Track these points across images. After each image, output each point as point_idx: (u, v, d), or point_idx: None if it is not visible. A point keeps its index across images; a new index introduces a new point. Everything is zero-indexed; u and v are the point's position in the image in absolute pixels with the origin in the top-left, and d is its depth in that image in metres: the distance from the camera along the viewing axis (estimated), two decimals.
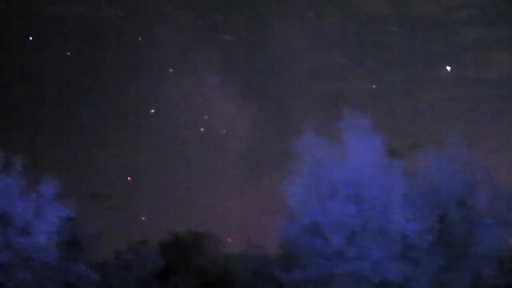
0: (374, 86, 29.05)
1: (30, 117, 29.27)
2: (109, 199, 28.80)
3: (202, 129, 31.81)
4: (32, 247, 23.18)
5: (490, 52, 32.20)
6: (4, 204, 22.85)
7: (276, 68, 31.75)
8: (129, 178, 30.34)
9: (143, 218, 30.19)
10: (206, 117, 32.06)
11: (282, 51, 31.54)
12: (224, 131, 31.65)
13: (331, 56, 31.03)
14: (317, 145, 24.75)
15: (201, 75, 32.00)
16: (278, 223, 25.16)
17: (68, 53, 30.85)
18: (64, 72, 30.72)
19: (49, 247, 23.51)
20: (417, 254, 22.73)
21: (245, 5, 32.17)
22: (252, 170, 29.72)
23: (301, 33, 31.44)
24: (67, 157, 28.91)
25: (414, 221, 22.42)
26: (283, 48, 31.57)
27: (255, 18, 32.18)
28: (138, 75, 31.98)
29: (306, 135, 24.90)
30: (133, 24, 32.18)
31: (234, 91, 31.59)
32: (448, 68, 30.19)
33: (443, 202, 23.17)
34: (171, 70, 31.96)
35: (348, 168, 24.34)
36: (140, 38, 31.78)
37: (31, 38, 29.89)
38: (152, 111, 31.47)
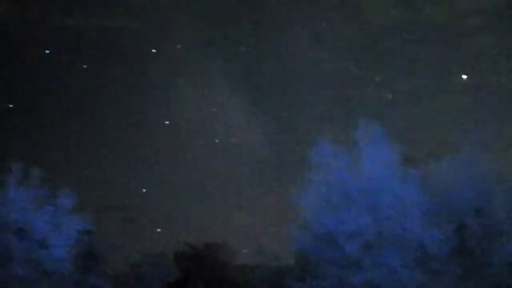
0: (389, 95, 29.04)
1: (47, 130, 29.51)
2: (124, 211, 28.90)
3: (217, 140, 31.89)
4: (50, 259, 23.38)
5: (505, 59, 32.09)
6: (22, 217, 23.10)
7: (289, 78, 31.83)
8: (144, 190, 30.43)
9: (158, 230, 30.25)
10: (220, 128, 32.15)
11: (295, 61, 31.62)
12: (238, 141, 31.71)
13: (344, 65, 31.05)
14: (332, 154, 24.74)
15: (215, 86, 32.15)
16: (292, 233, 25.14)
17: (85, 66, 31.07)
18: (81, 84, 30.99)
19: (66, 260, 23.70)
20: (434, 263, 22.64)
21: (258, 16, 32.34)
22: (267, 180, 29.73)
23: (313, 43, 31.54)
24: (83, 170, 29.09)
25: (431, 230, 22.34)
26: (296, 58, 31.66)
27: (268, 29, 32.32)
28: (153, 87, 32.14)
29: (321, 144, 24.91)
30: (147, 36, 32.42)
31: (247, 102, 31.72)
32: (464, 76, 30.18)
33: (460, 211, 23.05)
34: (184, 81, 32.11)
35: (363, 177, 24.31)
36: (154, 50, 31.95)
37: (48, 51, 30.15)
38: (167, 122, 31.59)
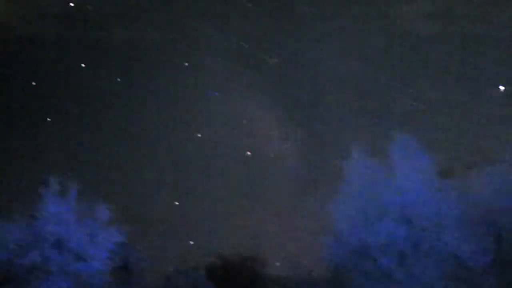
0: (424, 106, 28.95)
1: (84, 143, 29.96)
2: (158, 224, 29.14)
3: (249, 153, 32.01)
4: (87, 272, 23.60)
5: None
6: (61, 230, 23.37)
7: (321, 90, 31.89)
8: (176, 203, 30.64)
9: (191, 243, 30.40)
10: (251, 140, 32.29)
11: (327, 73, 31.69)
12: (271, 154, 31.81)
13: (377, 76, 31.00)
14: (366, 166, 24.68)
15: (247, 98, 32.34)
16: (326, 245, 25.11)
17: (119, 79, 31.50)
18: (115, 98, 31.40)
19: (103, 272, 23.92)
20: (471, 275, 22.42)
21: (289, 29, 32.50)
22: (299, 192, 29.75)
23: (345, 55, 31.58)
24: (119, 183, 29.39)
25: (468, 241, 22.13)
26: (328, 70, 31.74)
27: (300, 41, 32.44)
28: (185, 99, 32.40)
29: (354, 156, 24.91)
30: (180, 49, 32.75)
31: (279, 114, 31.83)
32: (502, 88, 29.95)
33: (498, 222, 22.84)
34: (217, 93, 32.35)
35: (397, 189, 24.19)
36: (186, 63, 32.27)
37: (83, 65, 30.65)
38: (199, 135, 31.83)
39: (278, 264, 28.62)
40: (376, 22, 32.10)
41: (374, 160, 24.72)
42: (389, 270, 23.07)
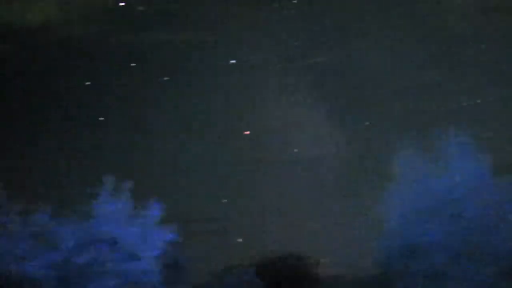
0: (477, 103, 28.56)
1: (136, 142, 30.26)
2: (207, 222, 29.28)
3: (296, 150, 31.91)
4: (139, 271, 23.99)
5: None
6: (114, 230, 23.80)
7: (368, 88, 31.56)
8: (225, 201, 30.73)
9: (239, 240, 30.48)
10: (299, 138, 32.16)
11: (373, 71, 31.32)
12: (318, 151, 31.64)
13: (425, 73, 30.49)
14: (416, 164, 24.60)
15: (293, 96, 32.20)
16: (375, 243, 25.05)
17: (166, 78, 31.75)
18: (163, 97, 31.61)
19: (154, 271, 24.26)
20: None
21: (335, 27, 32.22)
22: (348, 190, 29.50)
23: (391, 52, 31.12)
24: (170, 182, 29.59)
25: None
26: (374, 68, 31.36)
27: (345, 39, 32.15)
28: (231, 98, 32.47)
29: (403, 153, 24.79)
30: (225, 47, 32.78)
31: (326, 112, 31.58)
32: None
33: None
34: (263, 91, 32.32)
35: (449, 186, 24.06)
36: (233, 61, 32.32)
37: (133, 64, 31.02)
38: (247, 133, 31.87)
39: (326, 262, 28.53)
40: (425, 18, 31.70)
41: (425, 158, 24.59)
42: (443, 268, 22.96)
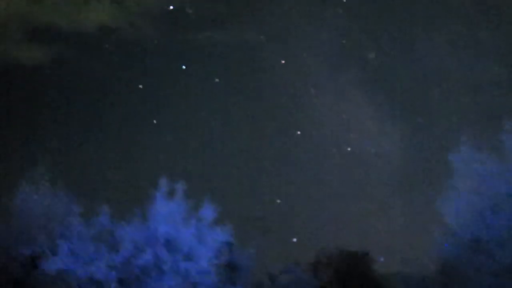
0: None
1: (189, 143, 30.56)
2: (262, 222, 29.25)
3: (349, 148, 31.65)
4: (196, 271, 23.99)
5: None
6: (170, 230, 23.86)
7: (424, 83, 31.09)
8: (278, 201, 30.68)
9: (294, 240, 30.35)
10: (352, 135, 31.92)
11: (430, 66, 30.82)
12: (373, 149, 31.32)
13: (484, 68, 29.85)
14: (476, 160, 23.97)
15: (346, 93, 32.01)
16: (436, 240, 24.55)
17: (217, 80, 31.88)
18: (213, 98, 31.83)
19: (211, 271, 24.25)
20: None
21: (388, 22, 31.90)
22: (405, 187, 29.16)
23: (450, 47, 30.62)
24: (223, 182, 29.77)
25: None
26: (431, 63, 30.88)
27: (399, 35, 31.81)
28: (283, 97, 32.45)
29: (463, 150, 24.23)
30: (276, 47, 32.78)
31: (381, 108, 31.29)
32: None
33: None
34: (314, 90, 32.19)
35: (509, 181, 23.42)
36: (283, 61, 32.23)
37: (184, 67, 31.21)
38: (298, 132, 31.75)
39: (384, 260, 28.15)
40: (484, 12, 31.04)
41: (485, 153, 24.00)
42: (507, 264, 22.35)
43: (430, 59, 30.55)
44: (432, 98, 30.41)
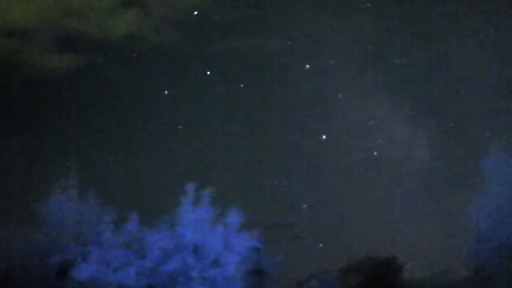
0: None
1: (215, 150, 30.60)
2: (288, 228, 29.17)
3: (376, 154, 31.42)
4: (223, 278, 24.01)
5: None
6: (197, 237, 23.92)
7: (453, 87, 30.75)
8: (304, 206, 30.55)
9: (320, 245, 30.21)
10: (379, 141, 31.67)
11: (459, 70, 30.49)
12: (401, 154, 31.06)
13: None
14: (508, 164, 23.80)
15: (372, 98, 31.79)
16: (466, 245, 24.34)
17: (242, 85, 31.91)
18: (239, 104, 31.84)
19: (238, 277, 24.26)
20: None
21: (415, 26, 31.67)
22: (434, 192, 28.84)
23: (479, 50, 30.26)
24: (249, 188, 29.74)
25: None
26: (460, 66, 30.55)
27: (427, 39, 31.54)
28: (309, 103, 32.34)
29: (494, 154, 24.02)
30: (301, 53, 32.71)
31: (409, 113, 31.01)
32: None
33: None
34: (340, 95, 32.02)
35: None
36: (307, 66, 32.15)
37: (208, 73, 31.31)
38: (324, 137, 31.60)
39: (413, 266, 27.91)
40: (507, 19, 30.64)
41: None
42: None
43: (459, 63, 30.25)
44: (463, 102, 30.12)
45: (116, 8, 32.02)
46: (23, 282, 23.31)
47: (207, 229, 24.33)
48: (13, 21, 31.12)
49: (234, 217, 24.56)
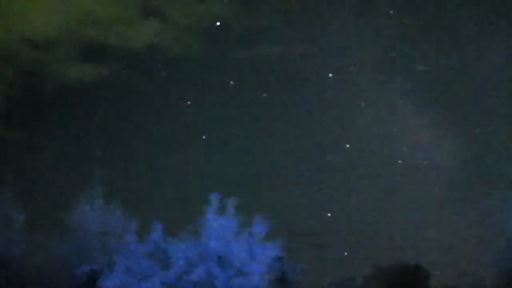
0: None
1: (238, 159, 30.59)
2: (312, 237, 29.04)
3: (400, 161, 31.17)
4: (248, 287, 23.86)
5: None
6: (222, 246, 23.82)
7: (478, 92, 30.48)
8: (328, 215, 30.39)
9: (345, 254, 29.98)
10: (403, 148, 31.43)
11: (486, 77, 30.18)
12: (425, 161, 30.78)
13: None
14: None
15: (395, 106, 31.61)
16: (495, 252, 23.98)
17: (264, 95, 31.89)
18: (261, 113, 31.85)
19: (262, 287, 24.09)
20: None
21: (438, 34, 31.46)
22: (460, 199, 28.51)
23: (504, 54, 29.89)
24: (273, 197, 29.69)
25: None
26: (484, 71, 30.27)
27: (450, 44, 31.31)
28: (331, 111, 32.23)
29: None
30: (323, 61, 32.61)
31: (432, 120, 30.76)
32: None
33: None
34: (364, 103, 31.86)
35: None
36: (330, 74, 32.04)
37: (232, 82, 31.36)
38: (347, 146, 31.44)
39: (440, 273, 27.59)
40: None
41: None
42: None
43: (483, 68, 29.94)
44: (488, 108, 29.78)
45: (137, 18, 32.24)
46: None
47: (231, 238, 24.20)
48: (37, 32, 31.45)
49: (258, 226, 24.40)
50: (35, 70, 31.23)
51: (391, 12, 32.19)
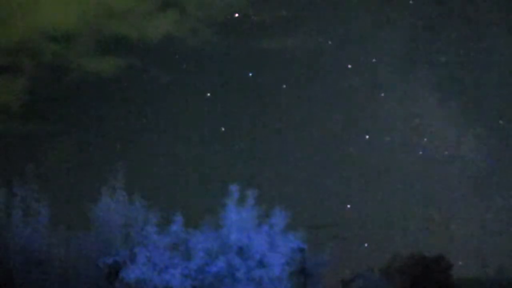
0: None
1: (258, 150, 30.70)
2: (332, 228, 29.02)
3: (421, 152, 31.04)
4: (269, 278, 23.94)
5: None
6: (242, 238, 23.90)
7: (499, 84, 30.19)
8: (348, 206, 30.40)
9: (365, 245, 29.97)
10: (424, 139, 31.26)
11: (505, 66, 29.95)
12: (446, 152, 30.59)
13: None
14: None
15: (417, 97, 31.44)
16: None
17: (284, 86, 31.90)
18: (281, 104, 31.88)
19: (283, 278, 24.17)
20: None
21: (458, 23, 31.20)
22: (485, 191, 28.36)
23: None
24: (293, 188, 29.74)
25: None
26: (506, 63, 30.01)
27: (470, 36, 31.02)
28: (351, 102, 32.19)
29: None
30: (342, 52, 32.54)
31: (454, 111, 30.54)
32: None
33: None
34: (383, 94, 31.75)
35: None
36: (349, 66, 31.96)
37: (251, 74, 31.39)
38: (367, 137, 31.36)
39: (463, 264, 27.45)
40: None
41: None
42: None
43: (506, 59, 29.67)
44: (508, 98, 29.52)
45: (154, 11, 32.37)
46: (75, 283, 23.75)
47: (251, 230, 24.28)
48: (56, 26, 31.72)
49: (278, 218, 24.46)
50: (55, 63, 31.54)
51: (411, 2, 32.01)
